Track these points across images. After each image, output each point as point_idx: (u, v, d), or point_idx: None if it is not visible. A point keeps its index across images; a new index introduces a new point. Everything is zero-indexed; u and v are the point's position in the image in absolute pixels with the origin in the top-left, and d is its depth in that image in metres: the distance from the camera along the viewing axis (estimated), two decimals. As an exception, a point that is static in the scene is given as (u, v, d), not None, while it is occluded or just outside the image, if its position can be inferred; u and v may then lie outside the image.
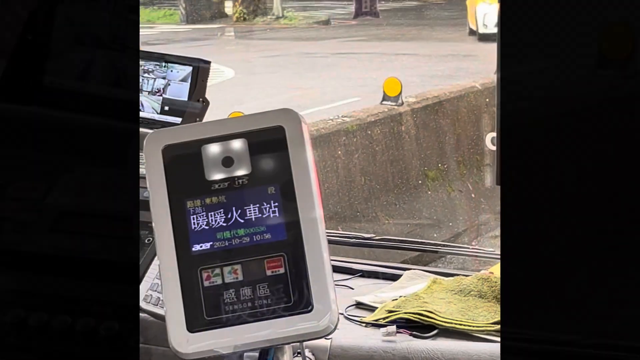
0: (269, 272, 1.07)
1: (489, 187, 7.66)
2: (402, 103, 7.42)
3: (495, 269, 2.13)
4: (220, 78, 12.91)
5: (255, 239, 1.07)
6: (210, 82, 1.95)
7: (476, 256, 2.37)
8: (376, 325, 1.80)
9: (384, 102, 7.45)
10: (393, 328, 1.74)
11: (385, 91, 7.45)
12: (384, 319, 1.81)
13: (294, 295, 1.06)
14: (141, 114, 1.96)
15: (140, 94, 1.95)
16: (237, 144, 1.09)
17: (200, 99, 1.93)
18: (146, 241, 1.80)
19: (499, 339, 1.70)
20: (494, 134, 1.59)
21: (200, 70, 1.93)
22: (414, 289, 1.97)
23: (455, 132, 7.75)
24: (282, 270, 1.07)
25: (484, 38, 14.73)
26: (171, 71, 1.96)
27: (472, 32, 14.33)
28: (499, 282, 1.89)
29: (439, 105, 7.79)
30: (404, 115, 7.43)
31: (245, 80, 13.17)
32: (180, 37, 19.24)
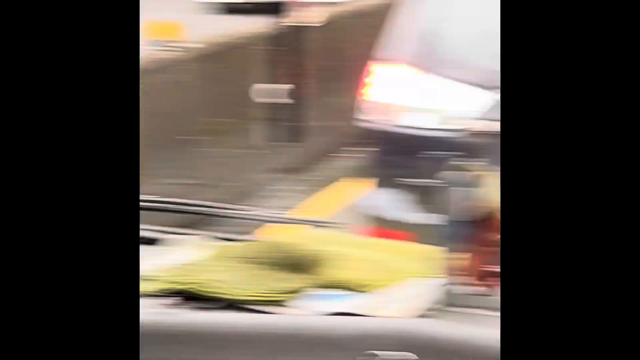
0: None
1: (259, 144, 7.78)
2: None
3: (264, 232, 2.19)
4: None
5: None
6: None
7: (250, 219, 2.42)
8: (153, 296, 1.81)
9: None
10: (173, 300, 1.76)
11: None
12: (162, 290, 1.83)
13: None
14: None
15: None
16: None
17: None
18: None
19: (286, 309, 1.75)
20: (261, 86, 1.64)
21: None
22: (192, 256, 2.00)
23: (225, 82, 7.78)
24: None
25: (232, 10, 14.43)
26: None
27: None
28: (273, 247, 1.94)
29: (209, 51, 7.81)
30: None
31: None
32: None
